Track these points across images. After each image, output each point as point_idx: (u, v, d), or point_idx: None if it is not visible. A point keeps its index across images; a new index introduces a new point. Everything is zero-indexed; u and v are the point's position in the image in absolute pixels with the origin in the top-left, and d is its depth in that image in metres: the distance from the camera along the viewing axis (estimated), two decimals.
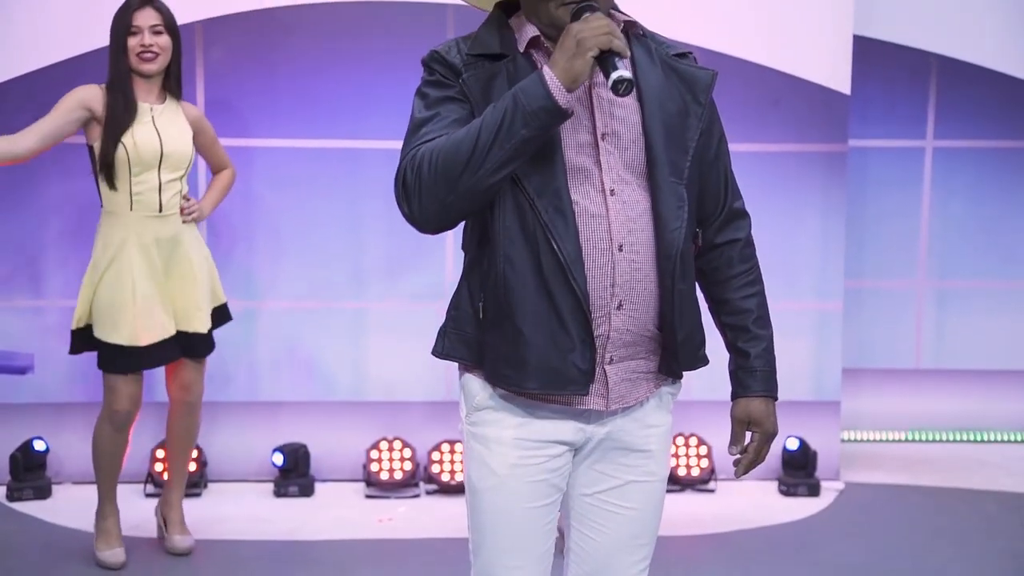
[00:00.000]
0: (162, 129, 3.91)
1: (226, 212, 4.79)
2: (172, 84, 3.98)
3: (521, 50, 2.13)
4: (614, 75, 1.97)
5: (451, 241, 4.89)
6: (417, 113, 2.11)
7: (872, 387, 5.63)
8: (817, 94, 4.88)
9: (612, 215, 2.09)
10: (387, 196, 4.67)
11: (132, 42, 3.87)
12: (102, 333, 3.94)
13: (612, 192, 2.10)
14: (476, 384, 2.19)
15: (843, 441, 5.56)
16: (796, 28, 4.85)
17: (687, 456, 4.92)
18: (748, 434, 2.45)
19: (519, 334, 2.09)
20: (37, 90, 4.54)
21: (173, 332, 4.00)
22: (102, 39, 4.08)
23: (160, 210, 3.93)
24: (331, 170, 4.84)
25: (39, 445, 4.81)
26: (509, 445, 2.16)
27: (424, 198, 2.02)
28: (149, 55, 3.88)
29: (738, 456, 2.30)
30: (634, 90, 2.04)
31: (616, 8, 2.21)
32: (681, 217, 2.13)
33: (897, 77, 5.42)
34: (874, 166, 5.49)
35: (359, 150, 4.82)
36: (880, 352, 5.62)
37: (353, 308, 4.94)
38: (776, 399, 2.30)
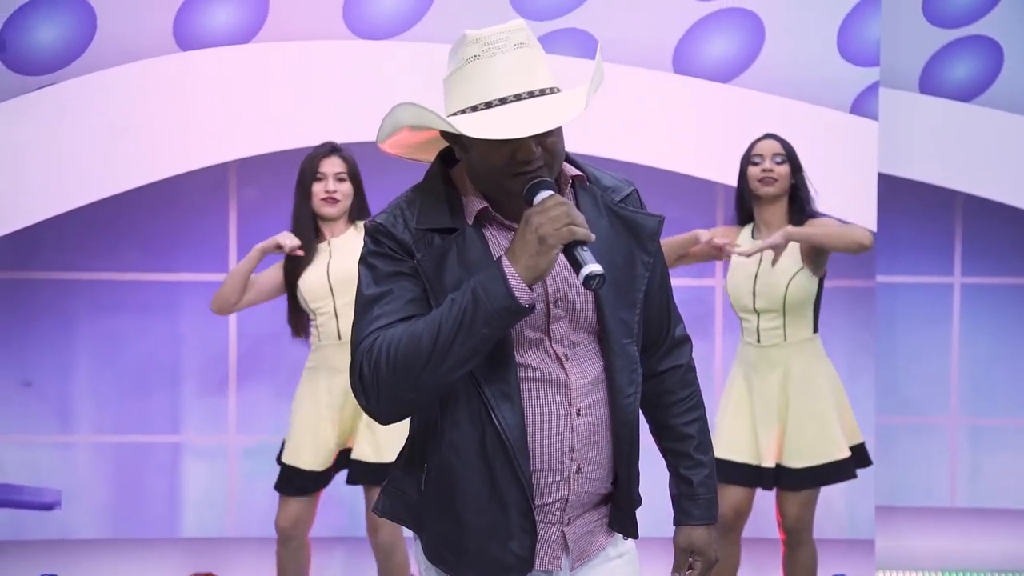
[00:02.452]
0: (333, 258, 4.10)
1: (255, 346, 4.82)
2: (355, 213, 4.19)
3: (470, 223, 2.06)
4: (584, 271, 1.92)
5: None
6: (366, 288, 2.04)
7: (907, 525, 5.53)
8: None
9: (572, 380, 2.07)
10: None
11: (317, 187, 4.12)
12: (286, 456, 4.15)
13: (567, 358, 2.07)
14: (423, 551, 2.16)
15: None
16: (821, 166, 4.90)
17: None
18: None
19: (458, 518, 2.05)
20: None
21: (331, 462, 4.14)
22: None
23: (339, 337, 4.07)
24: None
25: None
26: None
27: (382, 394, 1.97)
28: (331, 200, 4.11)
29: None
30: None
31: (568, 159, 2.13)
32: (635, 382, 2.12)
33: (923, 213, 5.44)
34: (903, 302, 5.49)
35: None
36: (914, 490, 5.54)
37: None
38: (716, 524, 2.28)
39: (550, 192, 1.97)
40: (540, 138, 1.98)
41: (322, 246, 4.16)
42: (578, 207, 2.10)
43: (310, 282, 4.11)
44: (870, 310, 4.97)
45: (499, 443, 2.01)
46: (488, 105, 1.98)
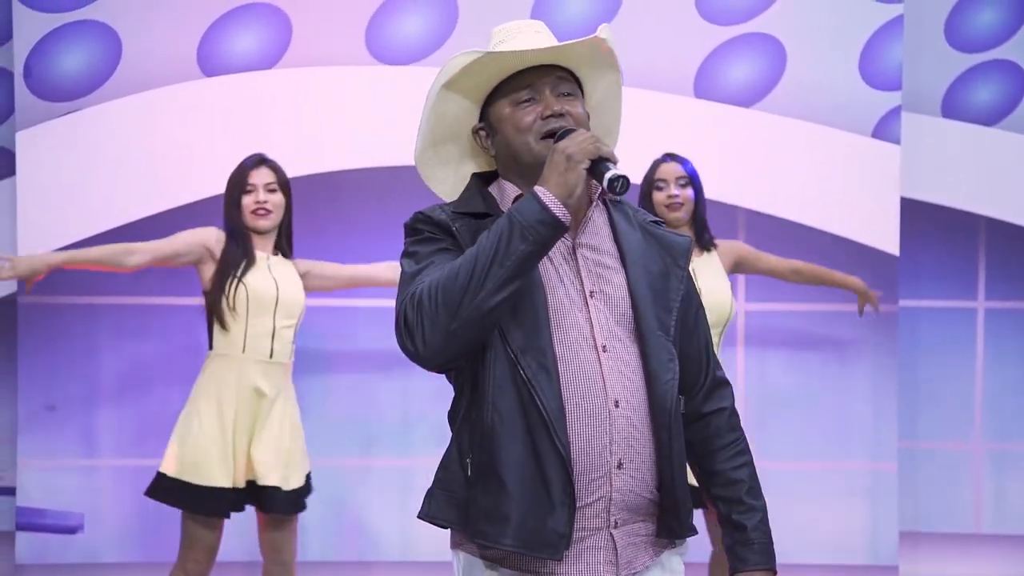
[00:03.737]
0: (277, 277, 4.00)
1: None
2: (283, 242, 4.08)
3: (504, 210, 2.12)
4: (608, 175, 2.00)
5: None
6: (408, 269, 2.09)
7: (931, 551, 5.49)
8: (866, 255, 4.90)
9: (607, 371, 2.08)
10: None
11: (247, 200, 3.99)
12: (189, 475, 3.92)
13: (605, 348, 2.09)
14: (472, 562, 2.14)
15: None
16: (844, 191, 4.90)
17: None
18: None
19: (502, 487, 2.05)
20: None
21: (242, 484, 3.96)
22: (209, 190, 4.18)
23: (271, 356, 3.98)
24: (380, 328, 4.88)
25: None
26: None
27: (427, 330, 2.00)
28: (263, 212, 3.99)
29: None
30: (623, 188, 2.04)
31: None
32: (672, 370, 2.13)
33: (946, 238, 5.43)
34: (926, 326, 5.46)
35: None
36: (938, 515, 5.50)
37: (401, 466, 4.93)
38: (775, 571, 2.24)
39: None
40: (564, 102, 2.12)
41: (261, 256, 4.01)
42: (611, 221, 2.19)
43: (261, 291, 3.95)
44: (893, 335, 4.95)
45: (538, 415, 2.04)
46: (500, 44, 2.17)
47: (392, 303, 2.09)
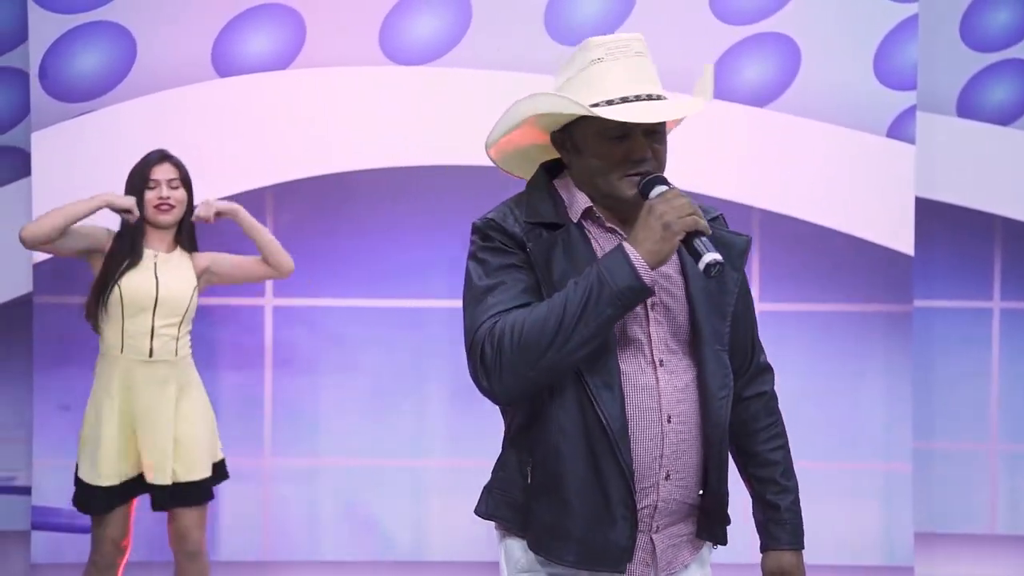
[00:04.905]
0: (162, 276, 4.03)
1: (292, 369, 4.84)
2: (184, 237, 4.14)
3: (575, 220, 2.14)
4: (706, 258, 2.00)
5: None
6: (477, 280, 2.10)
7: (946, 552, 5.47)
8: (881, 255, 4.89)
9: (662, 386, 2.11)
10: (449, 355, 4.71)
11: (150, 195, 4.06)
12: (82, 472, 4.06)
13: (661, 363, 2.11)
14: (518, 548, 2.17)
15: None
16: (858, 191, 4.88)
17: None
18: None
19: (565, 505, 2.08)
20: None
21: (134, 475, 4.05)
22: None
23: (150, 355, 4.02)
24: (395, 328, 4.88)
25: None
26: None
27: (505, 374, 2.02)
28: (166, 207, 4.06)
29: None
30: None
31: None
32: (727, 386, 2.16)
33: (961, 237, 5.40)
34: (941, 326, 5.44)
35: (421, 309, 4.87)
36: (954, 516, 5.48)
37: (413, 466, 4.93)
38: (802, 550, 2.31)
39: (668, 187, 2.07)
40: (651, 141, 2.11)
41: (148, 253, 4.07)
42: None
43: (136, 289, 4.01)
44: (907, 335, 4.94)
45: (601, 432, 2.06)
46: (610, 103, 2.08)
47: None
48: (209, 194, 4.31)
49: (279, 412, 4.51)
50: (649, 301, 2.12)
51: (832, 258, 4.91)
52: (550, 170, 2.22)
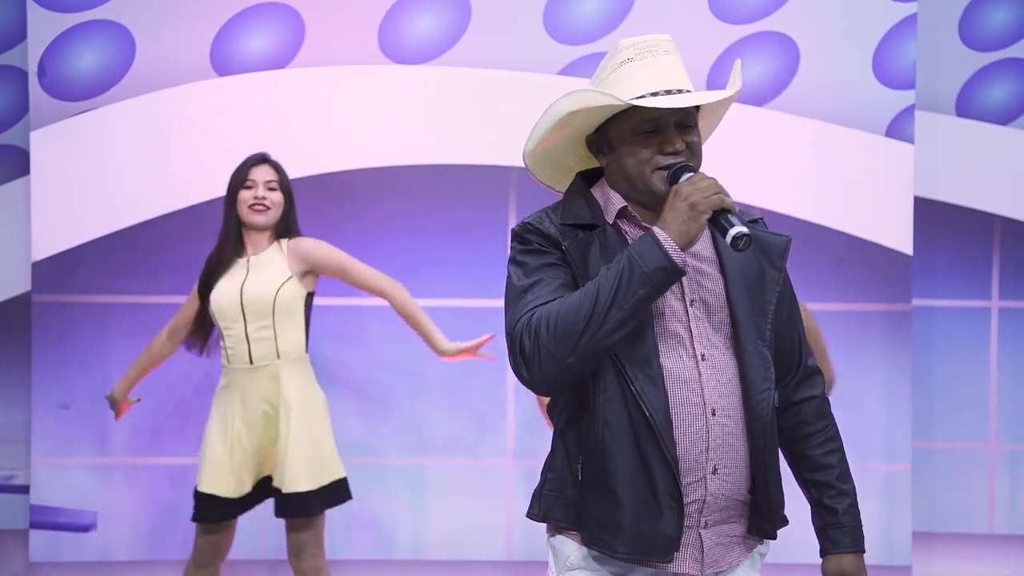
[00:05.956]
0: (249, 279, 3.99)
1: None
2: (281, 228, 4.08)
3: (610, 221, 2.18)
4: (732, 232, 2.03)
5: (511, 398, 4.88)
6: (517, 281, 2.14)
7: (944, 552, 5.47)
8: (879, 254, 4.89)
9: (704, 380, 2.13)
10: None
11: (245, 195, 4.04)
12: (198, 481, 4.07)
13: (703, 357, 2.14)
14: (569, 545, 2.19)
15: None
16: (857, 190, 4.89)
17: None
18: None
19: (614, 498, 2.10)
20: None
21: (247, 489, 4.04)
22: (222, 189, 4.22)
23: (251, 362, 3.98)
24: (394, 327, 4.88)
25: None
26: None
27: (544, 362, 2.05)
28: (260, 207, 4.03)
29: None
30: (746, 243, 2.08)
31: None
32: (769, 379, 2.18)
33: (960, 237, 5.41)
34: (940, 325, 5.45)
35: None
36: (952, 516, 5.48)
37: (414, 465, 4.93)
38: (863, 553, 2.31)
39: (695, 173, 2.12)
40: (684, 134, 2.14)
41: (240, 261, 4.05)
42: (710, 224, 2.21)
43: (222, 299, 4.00)
44: (906, 334, 4.94)
45: (645, 424, 2.08)
46: (640, 98, 2.13)
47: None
48: (208, 191, 4.30)
49: None
50: (688, 298, 2.16)
51: (831, 257, 4.91)
52: (587, 178, 2.26)
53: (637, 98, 2.12)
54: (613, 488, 2.10)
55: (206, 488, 4.03)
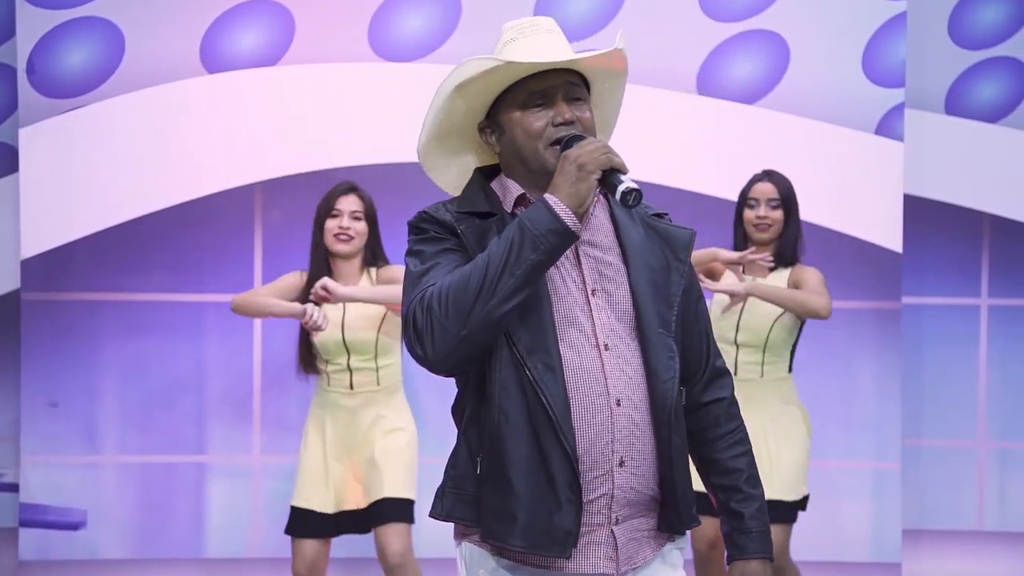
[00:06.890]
0: (348, 319, 4.06)
1: (281, 366, 4.83)
2: (368, 257, 4.13)
3: (508, 209, 2.16)
4: (621, 187, 2.02)
5: None
6: (414, 268, 2.11)
7: (934, 549, 5.49)
8: (869, 252, 4.90)
9: (608, 370, 2.10)
10: None
11: (331, 223, 4.08)
12: (294, 497, 4.12)
13: (607, 347, 2.11)
14: (476, 553, 2.16)
15: None
16: (847, 188, 4.90)
17: None
18: None
19: (509, 487, 2.07)
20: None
21: (343, 508, 4.10)
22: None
23: (351, 388, 4.08)
24: None
25: None
26: None
27: (437, 336, 2.02)
28: (344, 237, 4.07)
29: None
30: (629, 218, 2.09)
31: None
32: (673, 368, 2.14)
33: (949, 235, 5.42)
34: (929, 323, 5.46)
35: None
36: (941, 513, 5.49)
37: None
38: (772, 559, 2.26)
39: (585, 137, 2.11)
40: (573, 106, 2.13)
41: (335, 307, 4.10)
42: (612, 216, 2.20)
43: (326, 340, 4.06)
44: (896, 332, 4.95)
45: (544, 414, 2.05)
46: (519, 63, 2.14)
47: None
48: (199, 189, 4.30)
49: (267, 410, 4.49)
50: (589, 287, 2.13)
51: (820, 255, 4.91)
52: (487, 175, 2.23)
53: (507, 46, 2.13)
54: (508, 477, 2.06)
55: (300, 503, 4.10)
